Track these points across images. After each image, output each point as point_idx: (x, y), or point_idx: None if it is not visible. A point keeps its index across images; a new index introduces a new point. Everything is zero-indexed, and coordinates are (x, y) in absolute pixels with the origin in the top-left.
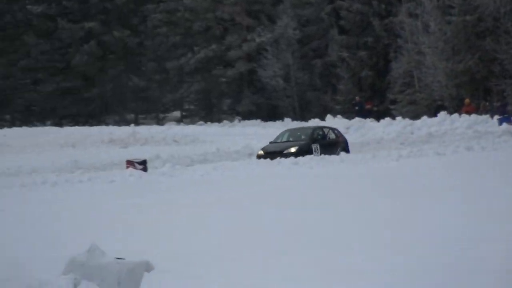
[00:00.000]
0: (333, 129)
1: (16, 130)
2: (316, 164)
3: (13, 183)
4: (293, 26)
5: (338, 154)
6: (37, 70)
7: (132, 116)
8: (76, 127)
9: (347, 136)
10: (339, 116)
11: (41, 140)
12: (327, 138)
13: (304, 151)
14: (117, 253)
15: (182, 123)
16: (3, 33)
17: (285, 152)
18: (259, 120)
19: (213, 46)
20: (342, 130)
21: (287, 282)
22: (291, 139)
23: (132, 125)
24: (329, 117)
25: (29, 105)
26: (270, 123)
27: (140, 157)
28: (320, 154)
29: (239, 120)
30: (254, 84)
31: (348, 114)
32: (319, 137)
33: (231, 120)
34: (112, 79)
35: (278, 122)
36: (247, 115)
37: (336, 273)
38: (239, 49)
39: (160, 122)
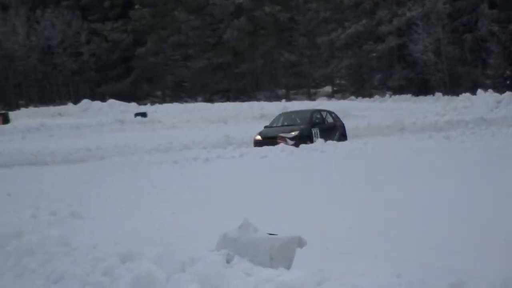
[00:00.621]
0: (331, 113)
1: (166, 106)
2: (467, 138)
3: (164, 159)
4: (443, 0)
5: (335, 139)
6: (188, 46)
7: (283, 91)
8: (228, 103)
9: (497, 111)
10: (489, 90)
11: (192, 116)
12: (326, 122)
13: (305, 135)
14: (268, 229)
15: (333, 98)
16: (154, 10)
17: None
18: (410, 95)
19: (364, 21)
20: (493, 104)
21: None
22: (286, 123)
23: (283, 100)
24: (479, 91)
25: (180, 81)
26: (421, 98)
27: (292, 132)
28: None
29: (390, 95)
30: (405, 59)
31: (499, 88)
32: (317, 120)
33: (382, 95)
34: (263, 55)
35: (429, 97)
36: (398, 90)
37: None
38: (390, 24)
39: (311, 97)
